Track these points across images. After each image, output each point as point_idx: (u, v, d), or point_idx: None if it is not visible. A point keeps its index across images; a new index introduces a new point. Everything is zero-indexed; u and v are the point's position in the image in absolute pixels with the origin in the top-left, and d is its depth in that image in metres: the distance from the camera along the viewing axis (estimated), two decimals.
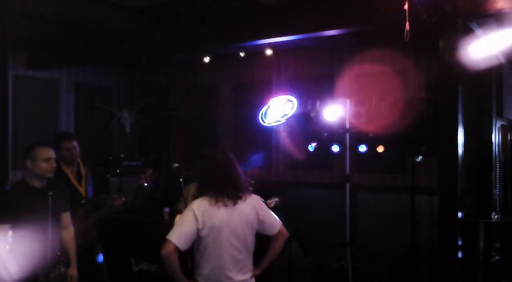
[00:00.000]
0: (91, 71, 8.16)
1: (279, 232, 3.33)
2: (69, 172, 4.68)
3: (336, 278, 5.92)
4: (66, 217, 4.01)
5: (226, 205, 3.17)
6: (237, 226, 3.17)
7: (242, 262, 3.20)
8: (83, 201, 4.68)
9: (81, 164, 4.80)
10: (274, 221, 3.34)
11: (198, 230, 3.13)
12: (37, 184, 3.78)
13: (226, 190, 3.19)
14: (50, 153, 3.81)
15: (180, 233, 3.12)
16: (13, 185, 4.06)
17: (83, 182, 4.73)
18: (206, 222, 3.13)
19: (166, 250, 3.07)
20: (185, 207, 3.44)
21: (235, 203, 3.19)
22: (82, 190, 4.70)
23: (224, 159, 3.32)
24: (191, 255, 3.46)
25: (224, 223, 3.14)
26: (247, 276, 3.24)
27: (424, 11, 3.84)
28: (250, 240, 3.24)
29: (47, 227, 3.66)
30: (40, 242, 3.64)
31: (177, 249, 3.09)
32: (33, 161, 3.74)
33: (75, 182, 4.68)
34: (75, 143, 4.73)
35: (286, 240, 3.40)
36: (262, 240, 3.39)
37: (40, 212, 3.65)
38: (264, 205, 3.37)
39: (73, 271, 3.94)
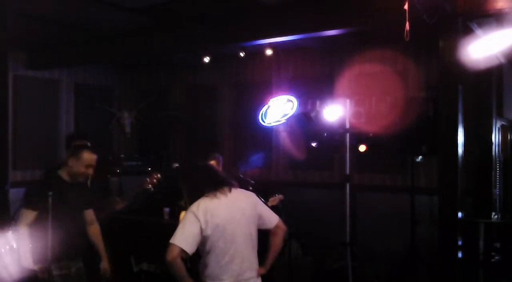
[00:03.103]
0: (91, 71, 8.16)
1: (277, 226, 3.35)
2: None
3: (336, 278, 5.92)
4: (90, 213, 4.15)
5: (225, 195, 3.20)
6: (240, 223, 3.19)
7: (248, 259, 3.20)
8: None
9: None
10: (271, 214, 3.37)
11: (201, 230, 3.11)
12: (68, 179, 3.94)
13: (218, 187, 3.23)
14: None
15: (184, 236, 3.08)
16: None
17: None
18: (209, 221, 3.11)
19: (171, 255, 3.01)
20: (186, 205, 3.44)
21: (231, 192, 3.24)
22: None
23: (206, 164, 3.47)
24: (191, 257, 3.45)
25: (226, 220, 3.14)
26: (254, 273, 3.23)
27: (424, 11, 3.84)
28: (254, 235, 3.26)
29: (66, 222, 3.75)
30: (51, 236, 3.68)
31: (182, 252, 3.05)
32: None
33: None
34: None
35: (284, 235, 3.43)
36: (261, 239, 3.38)
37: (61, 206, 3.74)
38: (260, 200, 3.42)
39: (105, 264, 4.13)
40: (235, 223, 3.17)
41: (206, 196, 3.20)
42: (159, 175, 4.84)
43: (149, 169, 7.40)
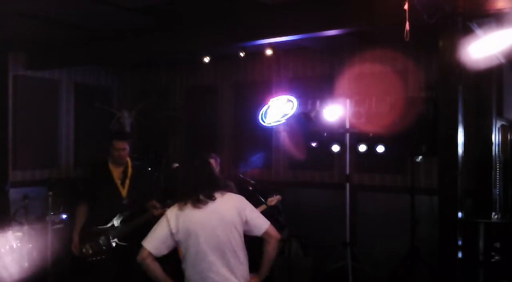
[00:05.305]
0: (91, 71, 8.16)
1: (267, 233, 3.21)
2: (115, 171, 4.70)
3: (336, 278, 5.92)
4: None
5: (198, 208, 3.12)
6: (215, 228, 3.10)
7: (230, 265, 3.11)
8: (123, 202, 4.67)
9: (129, 164, 4.80)
10: (259, 221, 3.23)
11: (172, 234, 3.11)
12: None
13: (196, 194, 3.15)
14: None
15: (152, 238, 3.14)
16: None
17: (127, 182, 4.72)
18: (180, 226, 3.11)
19: (141, 256, 3.10)
20: None
21: (206, 204, 3.13)
22: (123, 191, 4.69)
23: (194, 165, 3.33)
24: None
25: (199, 226, 3.10)
26: (241, 280, 3.14)
27: (424, 11, 3.84)
28: (235, 241, 3.14)
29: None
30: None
31: (152, 254, 3.10)
32: None
33: (117, 182, 4.69)
34: (125, 144, 4.73)
35: (278, 242, 3.27)
36: (259, 245, 3.32)
37: None
38: (249, 205, 3.27)
39: None
40: (209, 229, 3.10)
41: (184, 200, 3.17)
42: None
43: (149, 168, 7.39)
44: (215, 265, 3.08)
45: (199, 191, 3.16)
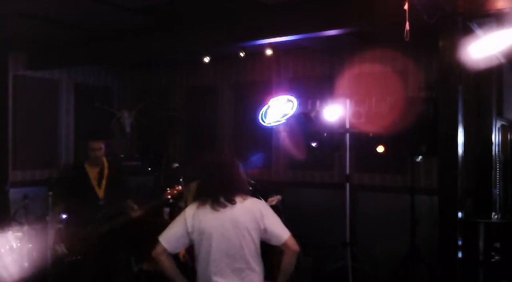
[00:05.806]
0: (91, 71, 8.16)
1: (286, 245, 3.12)
2: (91, 172, 4.69)
3: (336, 278, 5.92)
4: None
5: (216, 210, 3.08)
6: (228, 232, 3.04)
7: (239, 271, 3.05)
8: (100, 203, 4.65)
9: (105, 165, 4.77)
10: (279, 231, 3.13)
11: (188, 233, 3.09)
12: None
13: (216, 195, 3.10)
14: None
15: (168, 234, 3.13)
16: None
17: (103, 183, 4.71)
18: (196, 226, 3.08)
19: (156, 251, 3.08)
20: (186, 206, 3.43)
21: (225, 207, 3.07)
22: (100, 192, 4.67)
23: (220, 163, 3.25)
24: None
25: (213, 228, 3.05)
26: None
27: (424, 11, 3.84)
28: (248, 248, 3.06)
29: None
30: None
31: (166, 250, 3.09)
32: None
33: (94, 182, 4.68)
34: (100, 144, 4.72)
35: (296, 254, 3.18)
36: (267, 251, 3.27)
37: None
38: (270, 213, 3.17)
39: None
40: (222, 233, 3.05)
41: (203, 200, 3.15)
42: (180, 187, 4.76)
43: (149, 168, 7.40)
44: (224, 270, 3.03)
45: (217, 193, 3.11)
